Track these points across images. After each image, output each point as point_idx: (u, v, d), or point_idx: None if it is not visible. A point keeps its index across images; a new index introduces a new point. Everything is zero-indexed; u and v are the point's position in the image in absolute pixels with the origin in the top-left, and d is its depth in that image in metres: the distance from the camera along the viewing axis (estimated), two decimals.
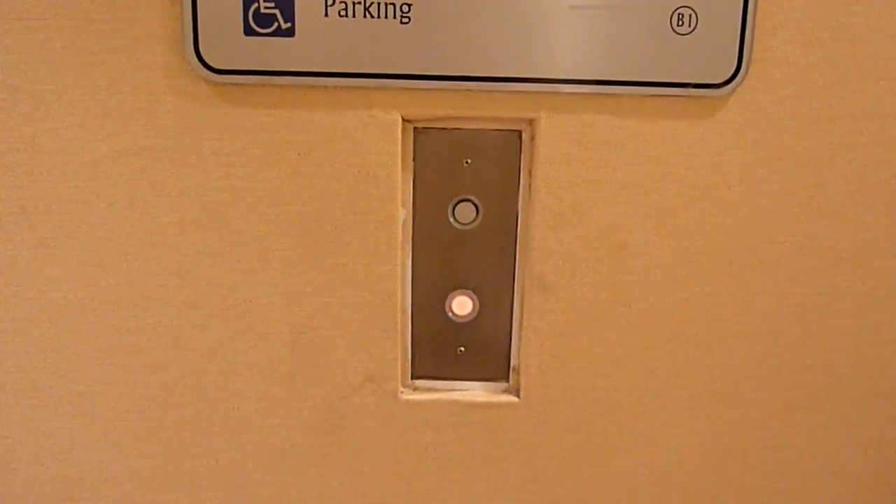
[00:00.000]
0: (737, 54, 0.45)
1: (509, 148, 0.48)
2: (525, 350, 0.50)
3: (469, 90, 0.45)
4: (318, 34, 0.44)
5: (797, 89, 0.46)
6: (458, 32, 0.44)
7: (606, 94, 0.46)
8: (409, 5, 0.43)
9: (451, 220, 0.49)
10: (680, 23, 0.44)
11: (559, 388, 0.51)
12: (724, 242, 0.48)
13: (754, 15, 0.44)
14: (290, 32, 0.44)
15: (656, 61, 0.45)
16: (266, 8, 0.43)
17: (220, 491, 0.53)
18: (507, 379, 0.52)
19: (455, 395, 0.52)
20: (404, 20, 0.44)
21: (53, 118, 0.45)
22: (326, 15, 0.43)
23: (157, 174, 0.47)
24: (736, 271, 0.49)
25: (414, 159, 0.48)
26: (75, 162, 0.46)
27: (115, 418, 0.51)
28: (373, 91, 0.45)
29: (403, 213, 0.49)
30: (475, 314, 0.51)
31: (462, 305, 0.51)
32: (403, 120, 0.46)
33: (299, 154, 0.46)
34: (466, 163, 0.48)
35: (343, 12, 0.43)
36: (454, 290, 0.51)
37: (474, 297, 0.51)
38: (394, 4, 0.43)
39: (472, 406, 0.51)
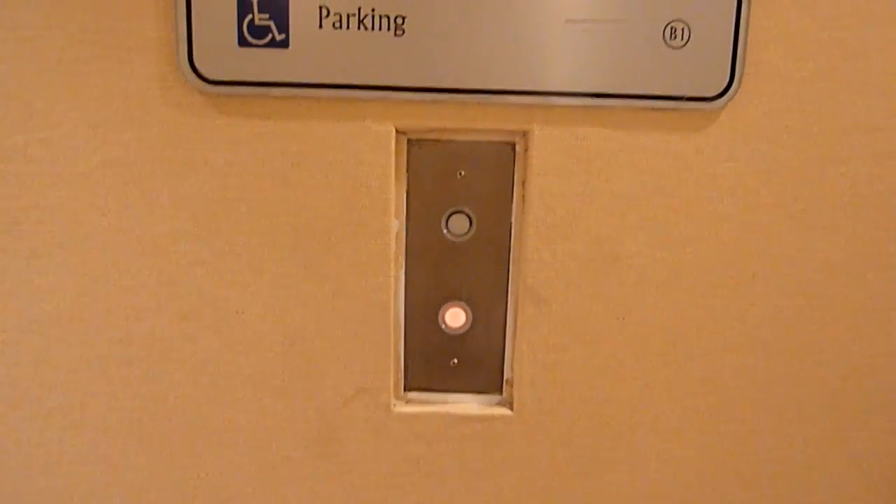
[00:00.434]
0: (729, 68, 0.45)
1: (503, 160, 0.48)
2: (518, 362, 0.50)
3: (463, 102, 0.45)
4: (313, 46, 0.44)
5: (789, 103, 0.46)
6: (452, 45, 0.44)
7: (600, 106, 0.46)
8: (404, 18, 0.44)
9: (445, 231, 0.49)
10: (673, 36, 0.44)
11: (552, 401, 0.51)
12: (716, 255, 0.49)
13: (747, 29, 0.45)
14: (284, 44, 0.44)
15: (649, 74, 0.45)
16: (261, 19, 0.43)
17: (212, 503, 0.52)
18: (500, 391, 0.52)
19: (448, 408, 0.51)
20: (398, 32, 0.44)
21: (45, 128, 0.45)
22: (321, 27, 0.43)
23: (149, 184, 0.46)
24: (729, 284, 0.49)
25: (407, 171, 0.48)
26: (67, 172, 0.46)
27: (104, 430, 0.51)
28: (366, 103, 0.45)
29: (396, 225, 0.49)
30: (468, 326, 0.51)
31: (455, 317, 0.51)
32: (397, 131, 0.46)
33: (293, 165, 0.46)
34: (460, 174, 0.48)
35: (337, 24, 0.44)
36: (447, 301, 0.50)
37: (467, 308, 0.51)
38: (388, 17, 0.43)
39: (465, 419, 0.51)
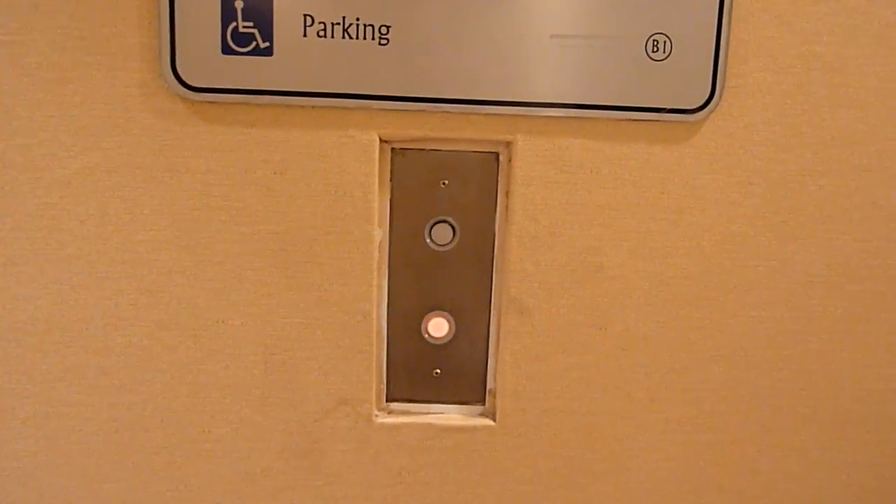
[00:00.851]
0: (710, 80, 0.46)
1: (487, 170, 0.48)
2: (501, 373, 0.50)
3: (447, 112, 0.45)
4: (297, 54, 0.44)
5: (769, 116, 0.47)
6: (436, 55, 0.44)
7: (583, 117, 0.46)
8: (388, 27, 0.44)
9: (428, 241, 0.49)
10: (655, 49, 0.45)
11: (535, 412, 0.51)
12: (698, 266, 0.49)
13: (727, 42, 0.45)
14: (268, 52, 0.44)
15: (632, 87, 0.45)
16: (245, 27, 0.43)
17: None
18: (483, 402, 0.52)
19: (430, 419, 0.51)
20: (383, 42, 0.44)
21: (25, 133, 0.45)
22: (305, 35, 0.44)
23: (129, 191, 0.46)
24: (710, 295, 0.49)
25: (391, 180, 0.48)
26: (47, 178, 0.45)
27: (80, 441, 0.50)
28: (350, 111, 0.45)
29: (380, 234, 0.48)
30: (451, 336, 0.51)
31: (438, 327, 0.50)
32: (381, 140, 0.46)
33: (275, 173, 0.46)
34: (443, 184, 0.48)
35: (322, 33, 0.44)
36: (430, 311, 0.50)
37: (451, 318, 0.50)
38: (372, 26, 0.44)
39: (448, 430, 0.51)
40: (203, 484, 0.51)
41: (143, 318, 0.48)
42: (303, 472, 0.51)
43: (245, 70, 0.44)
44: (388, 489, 0.51)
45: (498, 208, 0.49)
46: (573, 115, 0.46)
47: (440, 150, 0.48)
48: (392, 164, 0.48)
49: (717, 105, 0.46)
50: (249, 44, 0.44)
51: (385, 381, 0.51)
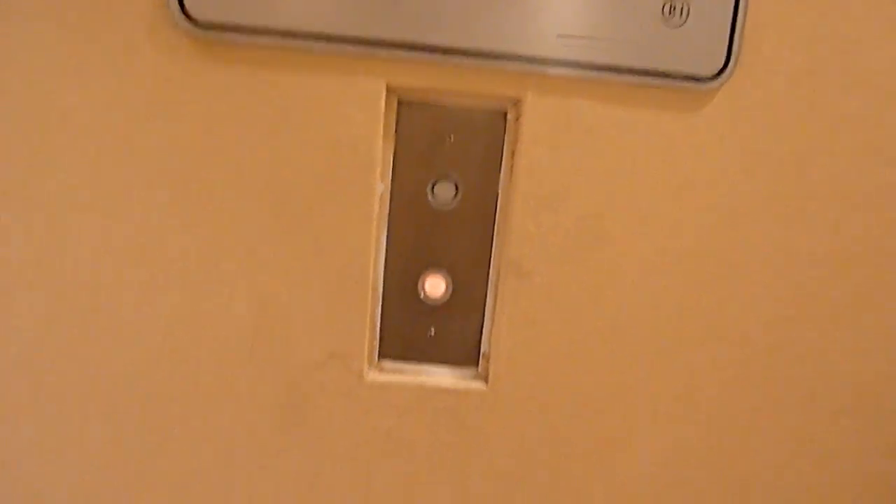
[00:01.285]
0: (726, 49, 0.45)
1: (494, 127, 0.48)
2: (496, 336, 0.49)
3: (457, 64, 0.45)
4: None
5: (781, 91, 0.46)
6: (450, 3, 0.43)
7: (594, 79, 0.45)
8: None
9: (430, 198, 0.48)
10: (671, 13, 0.44)
11: (528, 379, 0.50)
12: (700, 242, 0.48)
13: (745, 11, 0.44)
14: None
15: (645, 51, 0.45)
16: None
17: (170, 476, 0.50)
18: (476, 365, 0.51)
19: (422, 379, 0.50)
20: None
21: (24, 65, 0.43)
22: None
23: (128, 128, 0.45)
24: (710, 272, 0.49)
25: (396, 132, 0.47)
26: (43, 110, 0.44)
27: (57, 395, 0.48)
28: (359, 58, 0.44)
29: (381, 188, 0.48)
30: (448, 296, 0.50)
31: (435, 286, 0.50)
32: (388, 90, 0.45)
33: (278, 117, 0.45)
34: (450, 140, 0.48)
35: None
36: (428, 269, 0.50)
37: (448, 278, 0.50)
38: None
39: (439, 391, 0.50)
40: (184, 442, 0.50)
41: (132, 262, 0.47)
42: (289, 429, 0.50)
43: (254, 8, 0.43)
44: (376, 449, 0.51)
45: (503, 168, 0.48)
46: (584, 76, 0.45)
47: (447, 105, 0.47)
48: (398, 116, 0.47)
49: (730, 75, 0.45)
50: None
51: (378, 338, 0.50)
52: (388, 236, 0.49)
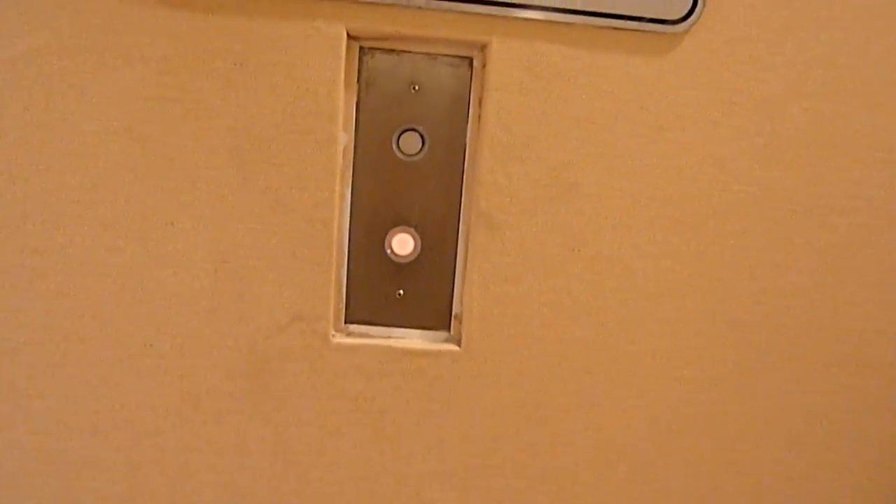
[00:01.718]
0: None
1: (459, 75, 0.46)
2: (468, 295, 0.47)
3: (420, 8, 0.43)
4: None
5: (753, 31, 0.45)
6: None
7: (561, 22, 0.44)
8: None
9: (396, 149, 0.47)
10: None
11: (502, 338, 0.48)
12: (676, 188, 0.47)
13: None
14: None
15: None
16: None
17: (124, 439, 0.47)
18: (448, 328, 0.49)
19: (391, 342, 0.48)
20: None
21: None
22: None
23: (79, 77, 0.43)
24: (687, 219, 0.47)
25: (358, 81, 0.46)
26: None
27: (9, 351, 0.46)
28: (318, 2, 0.43)
29: (344, 138, 0.46)
30: (417, 254, 0.48)
31: (403, 244, 0.48)
32: (349, 36, 0.44)
33: (235, 64, 0.44)
34: (414, 89, 0.46)
35: None
36: (395, 226, 0.47)
37: (416, 235, 0.48)
38: None
39: (410, 353, 0.48)
40: (141, 403, 0.47)
41: (85, 216, 0.44)
42: (251, 394, 0.47)
43: None
44: (343, 416, 0.48)
45: (470, 117, 0.47)
46: (551, 18, 0.44)
47: (411, 52, 0.46)
48: (360, 64, 0.46)
49: (699, 17, 0.44)
50: None
51: (345, 300, 0.48)
52: (352, 190, 0.47)
